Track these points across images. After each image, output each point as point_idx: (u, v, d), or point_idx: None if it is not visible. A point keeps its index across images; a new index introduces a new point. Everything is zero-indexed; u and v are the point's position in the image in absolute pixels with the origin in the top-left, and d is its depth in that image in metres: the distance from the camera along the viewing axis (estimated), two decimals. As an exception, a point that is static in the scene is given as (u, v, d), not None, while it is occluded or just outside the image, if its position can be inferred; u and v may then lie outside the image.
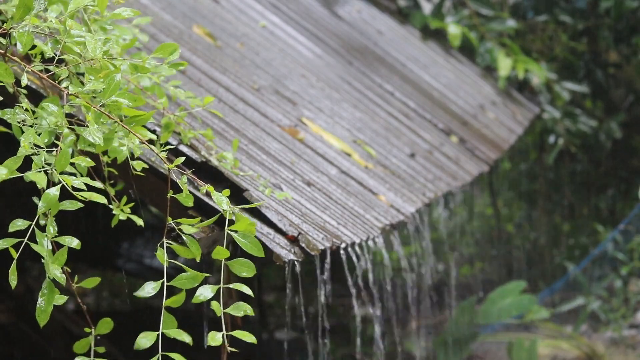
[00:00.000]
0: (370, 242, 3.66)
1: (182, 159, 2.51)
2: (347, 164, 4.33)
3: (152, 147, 2.50)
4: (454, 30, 7.48)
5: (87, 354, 2.45)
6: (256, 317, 7.23)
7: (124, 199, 2.79)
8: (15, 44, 2.43)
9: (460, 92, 6.93)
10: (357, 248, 3.52)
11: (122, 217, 2.75)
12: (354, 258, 3.50)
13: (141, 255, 7.63)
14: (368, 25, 7.11)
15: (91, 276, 2.53)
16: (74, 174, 2.37)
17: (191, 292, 2.39)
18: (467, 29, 7.58)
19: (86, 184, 2.29)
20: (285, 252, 3.02)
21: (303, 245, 3.11)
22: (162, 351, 2.31)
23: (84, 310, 2.62)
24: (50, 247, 2.29)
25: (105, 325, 2.45)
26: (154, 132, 2.91)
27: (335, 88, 5.34)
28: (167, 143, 3.08)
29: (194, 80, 3.99)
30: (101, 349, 2.45)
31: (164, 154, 2.50)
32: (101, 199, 2.30)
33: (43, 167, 2.29)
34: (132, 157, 2.67)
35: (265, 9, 5.76)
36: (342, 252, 3.39)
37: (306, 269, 3.27)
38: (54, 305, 2.30)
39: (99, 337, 2.46)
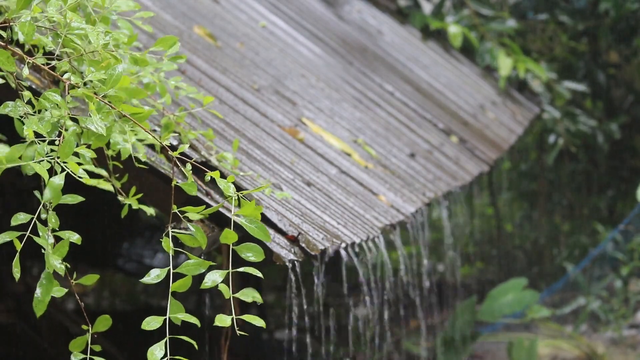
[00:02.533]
0: (370, 242, 3.66)
1: (186, 146, 2.49)
2: (347, 164, 4.33)
3: (155, 135, 2.49)
4: (454, 30, 7.48)
5: (84, 353, 2.42)
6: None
7: (133, 189, 2.78)
8: (13, 40, 2.41)
9: (460, 92, 6.93)
10: (357, 248, 3.52)
11: (135, 206, 2.73)
12: (354, 258, 3.50)
13: (141, 255, 7.62)
14: (368, 25, 7.11)
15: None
16: (78, 164, 2.34)
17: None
18: (467, 29, 7.58)
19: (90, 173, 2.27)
20: (285, 252, 3.02)
21: (303, 245, 3.11)
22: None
23: (82, 308, 2.60)
24: (52, 240, 2.28)
25: (103, 323, 2.42)
26: (154, 131, 2.90)
27: (335, 88, 5.34)
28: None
29: (194, 80, 3.99)
30: (97, 347, 2.42)
31: (167, 142, 2.49)
32: (107, 186, 2.29)
33: (46, 157, 2.26)
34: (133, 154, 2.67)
35: (265, 9, 5.76)
36: (342, 252, 3.39)
37: (305, 269, 3.26)
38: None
39: (96, 335, 2.43)
